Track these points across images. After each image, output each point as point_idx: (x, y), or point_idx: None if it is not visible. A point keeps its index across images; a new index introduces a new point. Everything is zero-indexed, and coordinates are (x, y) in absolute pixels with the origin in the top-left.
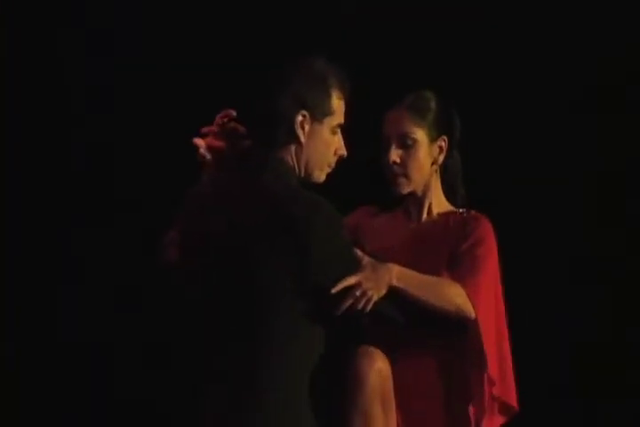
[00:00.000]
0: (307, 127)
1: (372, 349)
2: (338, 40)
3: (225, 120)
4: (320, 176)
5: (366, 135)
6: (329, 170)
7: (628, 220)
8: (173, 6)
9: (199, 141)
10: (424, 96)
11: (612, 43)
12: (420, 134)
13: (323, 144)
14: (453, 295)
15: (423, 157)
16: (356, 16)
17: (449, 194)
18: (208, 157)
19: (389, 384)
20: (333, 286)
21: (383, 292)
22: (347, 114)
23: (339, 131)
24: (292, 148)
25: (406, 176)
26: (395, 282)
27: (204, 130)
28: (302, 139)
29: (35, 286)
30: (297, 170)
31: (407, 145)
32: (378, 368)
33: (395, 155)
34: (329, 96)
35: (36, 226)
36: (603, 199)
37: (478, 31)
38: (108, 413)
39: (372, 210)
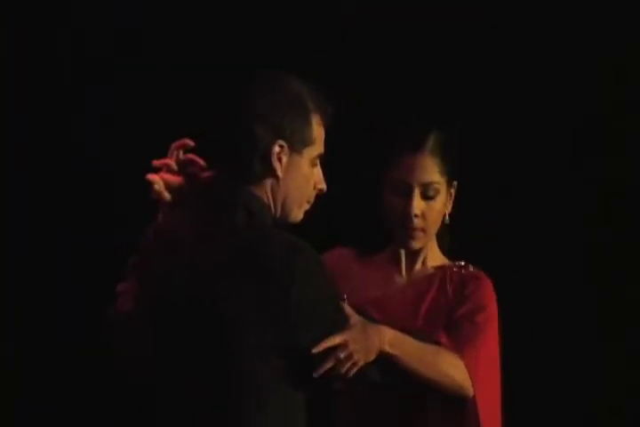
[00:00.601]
0: (284, 159)
1: None
2: (338, 40)
3: (181, 151)
4: (298, 215)
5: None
6: (307, 207)
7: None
8: (174, 6)
9: (153, 177)
10: (445, 140)
11: (612, 43)
12: (442, 183)
13: (302, 178)
14: (452, 369)
15: (441, 209)
16: (356, 16)
17: (440, 243)
18: (165, 194)
19: None
20: (314, 345)
21: (372, 357)
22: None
23: (318, 162)
24: (268, 183)
25: (424, 230)
26: (387, 348)
27: (157, 163)
28: (279, 173)
29: (35, 285)
30: (273, 208)
31: (430, 196)
32: None
33: (418, 207)
34: (308, 123)
35: (36, 226)
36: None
37: (477, 31)
38: (108, 413)
39: (349, 253)
